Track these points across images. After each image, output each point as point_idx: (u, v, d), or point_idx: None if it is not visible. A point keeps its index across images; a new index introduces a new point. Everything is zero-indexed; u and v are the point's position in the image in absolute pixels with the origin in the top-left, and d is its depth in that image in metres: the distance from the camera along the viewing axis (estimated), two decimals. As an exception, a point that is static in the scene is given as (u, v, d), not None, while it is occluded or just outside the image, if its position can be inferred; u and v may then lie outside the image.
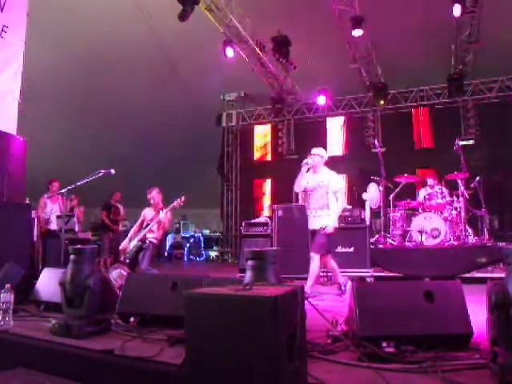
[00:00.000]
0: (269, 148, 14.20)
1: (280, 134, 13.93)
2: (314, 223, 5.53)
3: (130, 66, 11.31)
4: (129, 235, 6.61)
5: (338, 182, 5.66)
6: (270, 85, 12.44)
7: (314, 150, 5.69)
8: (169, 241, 16.85)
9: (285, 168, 13.23)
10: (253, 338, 1.93)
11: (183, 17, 8.28)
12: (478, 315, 3.03)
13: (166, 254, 16.68)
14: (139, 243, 6.31)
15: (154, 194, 6.66)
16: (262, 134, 14.38)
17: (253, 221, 8.95)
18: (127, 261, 6.25)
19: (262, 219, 9.10)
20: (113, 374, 2.75)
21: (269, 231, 8.49)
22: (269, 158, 14.12)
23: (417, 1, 8.96)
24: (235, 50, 10.07)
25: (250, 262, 2.90)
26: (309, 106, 13.50)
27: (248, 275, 2.89)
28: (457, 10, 8.32)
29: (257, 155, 14.27)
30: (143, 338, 3.19)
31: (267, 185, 13.94)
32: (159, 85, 12.12)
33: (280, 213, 8.04)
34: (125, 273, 5.39)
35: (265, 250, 3.01)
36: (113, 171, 5.86)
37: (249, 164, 14.20)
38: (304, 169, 5.56)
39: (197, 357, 2.06)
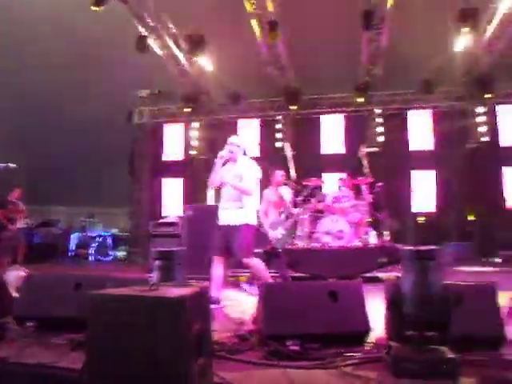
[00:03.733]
0: (180, 147, 14.03)
1: (192, 133, 13.81)
2: (228, 218, 4.82)
3: (40, 55, 10.67)
4: (266, 222, 6.22)
5: (251, 170, 4.95)
6: (183, 83, 12.30)
7: (230, 139, 5.08)
8: (74, 240, 16.04)
9: (196, 168, 13.16)
10: (159, 339, 1.90)
11: (98, 3, 7.95)
12: (378, 312, 3.22)
13: (70, 253, 15.87)
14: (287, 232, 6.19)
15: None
16: (174, 133, 14.18)
17: (161, 220, 8.78)
18: (279, 250, 6.03)
19: (171, 219, 8.94)
20: (10, 383, 2.57)
21: (178, 231, 8.37)
22: (180, 157, 13.95)
23: (328, 12, 9.32)
24: (150, 45, 9.83)
25: (157, 263, 2.86)
26: (222, 106, 13.51)
27: (155, 276, 2.84)
28: (366, 26, 8.86)
29: (168, 154, 14.05)
30: (42, 343, 3.02)
31: (178, 184, 13.78)
32: (71, 76, 11.56)
33: (190, 213, 7.97)
34: (24, 274, 5.04)
35: (172, 250, 2.97)
36: (11, 165, 5.43)
37: (160, 163, 13.94)
38: (219, 162, 4.85)
39: (100, 360, 1.99)
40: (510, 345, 3.06)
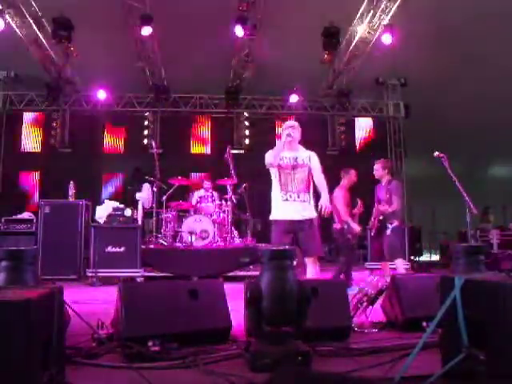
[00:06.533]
0: (40, 138, 12.96)
1: (54, 124, 12.83)
2: (299, 211, 4.42)
3: None
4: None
5: (318, 159, 4.60)
6: (46, 69, 11.33)
7: (292, 122, 4.74)
8: None
9: (57, 161, 12.32)
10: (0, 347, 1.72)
11: None
12: (239, 310, 3.33)
13: None
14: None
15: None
16: (32, 122, 13.05)
17: (15, 217, 8.08)
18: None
19: (25, 215, 8.27)
20: None
21: (34, 229, 7.79)
22: (38, 149, 12.89)
23: (201, 13, 9.34)
24: (8, 22, 8.79)
25: (3, 263, 2.60)
26: (88, 98, 12.76)
27: (1, 278, 2.59)
28: (239, 31, 9.13)
29: (25, 144, 12.88)
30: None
31: (36, 178, 12.71)
32: None
33: (47, 209, 7.45)
34: None
35: (22, 249, 2.73)
36: None
37: (15, 154, 12.71)
38: (283, 140, 4.50)
39: None
40: (354, 334, 3.38)
